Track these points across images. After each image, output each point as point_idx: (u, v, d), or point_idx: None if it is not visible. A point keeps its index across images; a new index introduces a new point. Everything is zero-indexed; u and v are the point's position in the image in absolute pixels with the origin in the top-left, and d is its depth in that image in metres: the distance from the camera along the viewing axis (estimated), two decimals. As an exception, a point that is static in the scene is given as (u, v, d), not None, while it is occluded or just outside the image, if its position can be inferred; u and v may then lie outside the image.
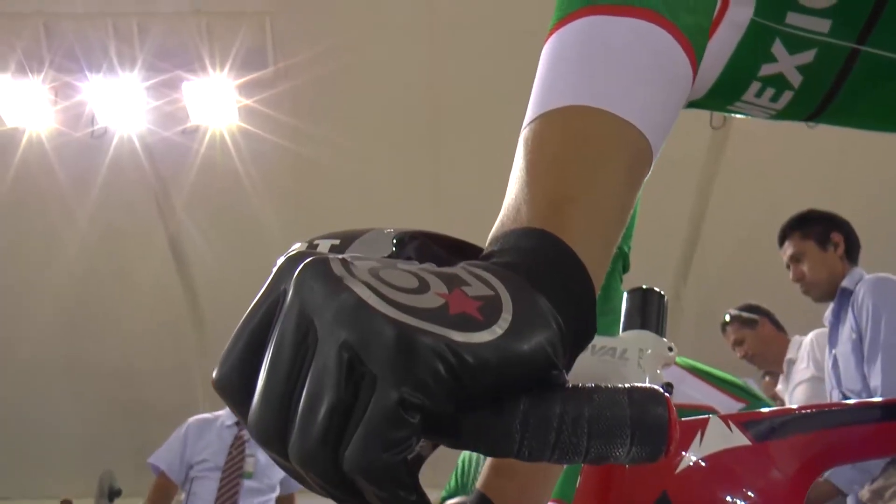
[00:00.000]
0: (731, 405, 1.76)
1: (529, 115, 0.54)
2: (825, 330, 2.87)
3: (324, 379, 0.34)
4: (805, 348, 3.01)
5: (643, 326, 0.54)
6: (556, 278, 0.41)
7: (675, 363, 1.84)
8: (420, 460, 0.40)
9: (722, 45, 0.86)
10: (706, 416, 0.52)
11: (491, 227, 0.48)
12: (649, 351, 0.53)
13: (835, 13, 0.84)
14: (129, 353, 5.52)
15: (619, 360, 0.53)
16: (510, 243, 0.43)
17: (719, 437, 0.50)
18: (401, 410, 0.34)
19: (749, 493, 0.48)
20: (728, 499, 0.48)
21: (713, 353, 3.47)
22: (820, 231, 2.71)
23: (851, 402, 0.72)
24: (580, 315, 0.41)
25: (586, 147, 0.51)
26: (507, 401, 0.36)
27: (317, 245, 0.44)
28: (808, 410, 0.53)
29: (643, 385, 0.35)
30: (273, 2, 4.50)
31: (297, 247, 0.43)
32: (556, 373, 0.37)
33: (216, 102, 4.55)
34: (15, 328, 5.52)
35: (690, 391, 1.73)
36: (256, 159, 4.94)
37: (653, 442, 0.35)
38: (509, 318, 0.36)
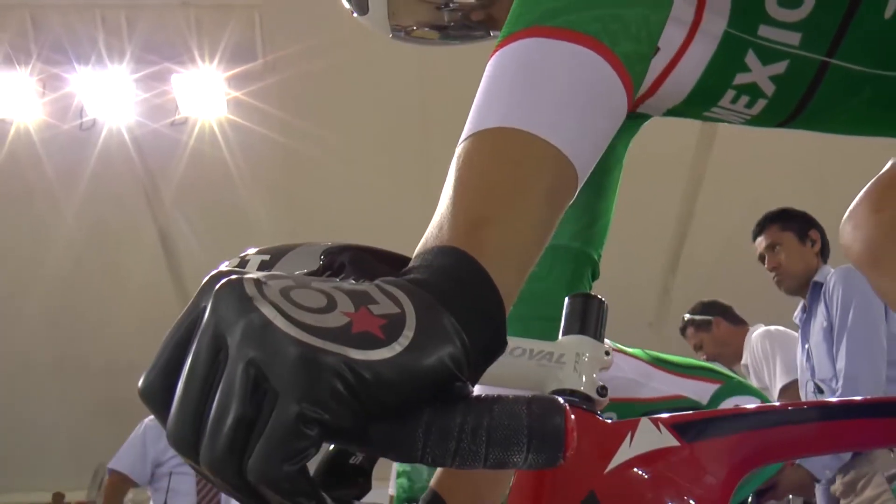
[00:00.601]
0: (704, 388, 1.78)
1: (465, 132, 0.56)
2: (766, 331, 2.93)
3: (231, 394, 0.37)
4: (746, 357, 3.06)
5: (581, 332, 0.56)
6: (465, 296, 0.44)
7: (641, 358, 1.87)
8: (362, 471, 0.44)
9: (698, 54, 0.91)
10: (638, 418, 0.54)
11: None
12: (586, 355, 0.54)
13: (805, 27, 0.87)
14: (118, 349, 5.52)
15: (556, 364, 0.54)
16: (428, 260, 0.46)
17: (649, 439, 0.52)
18: (300, 425, 0.36)
19: (676, 492, 0.50)
20: (656, 498, 0.50)
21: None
22: (799, 225, 2.76)
23: (777, 404, 0.74)
24: (488, 330, 0.44)
25: (510, 169, 0.53)
26: (412, 411, 0.39)
27: (248, 260, 0.47)
28: (736, 413, 0.55)
29: (544, 396, 0.38)
30: (262, -5, 4.50)
31: (226, 265, 0.45)
32: (459, 385, 0.40)
33: (205, 95, 4.55)
34: (3, 324, 5.52)
35: (658, 384, 1.75)
36: (245, 152, 4.95)
37: (549, 450, 0.37)
38: (410, 335, 0.39)
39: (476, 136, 0.54)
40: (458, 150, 0.54)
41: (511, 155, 0.53)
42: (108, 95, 4.53)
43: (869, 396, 2.43)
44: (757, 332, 3.07)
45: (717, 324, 3.22)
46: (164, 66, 4.44)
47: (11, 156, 4.85)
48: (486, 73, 0.60)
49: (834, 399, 1.50)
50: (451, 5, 1.01)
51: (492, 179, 0.52)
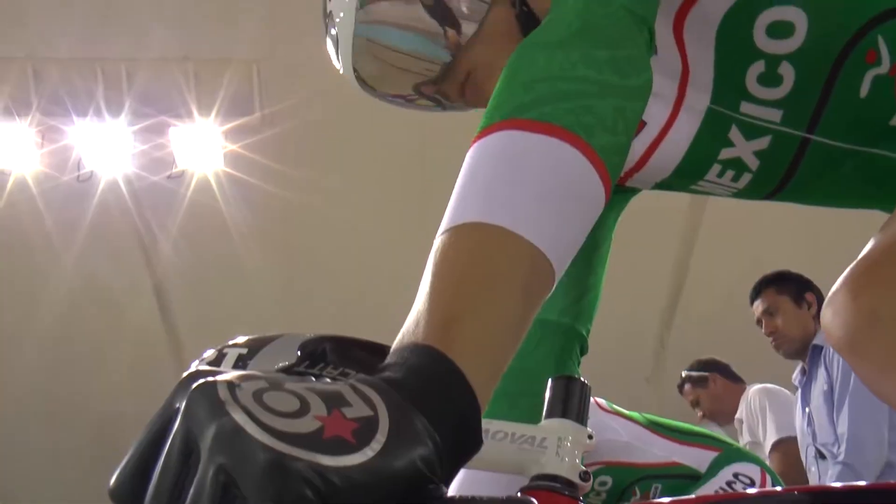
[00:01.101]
0: (703, 456, 1.76)
1: (442, 225, 0.56)
2: (764, 387, 2.91)
3: (200, 499, 0.37)
4: (741, 411, 3.04)
5: (564, 415, 0.55)
6: (439, 396, 0.44)
7: (638, 422, 1.84)
8: None
9: (683, 129, 0.94)
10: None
11: None
12: (569, 440, 0.53)
13: (785, 104, 0.89)
14: (110, 400, 5.48)
15: (538, 448, 0.53)
16: (403, 358, 0.46)
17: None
18: None
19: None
20: None
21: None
22: (795, 289, 2.76)
23: (779, 489, 0.72)
24: (462, 430, 0.44)
25: (485, 265, 0.53)
26: None
27: (225, 353, 0.47)
28: (735, 498, 0.54)
29: (518, 497, 0.37)
30: (260, 49, 4.54)
31: (208, 353, 0.45)
32: (432, 486, 0.40)
33: (202, 148, 4.58)
34: (-3, 372, 5.49)
35: (656, 450, 1.73)
36: (242, 203, 4.96)
37: None
38: (383, 439, 0.39)
39: (453, 231, 0.55)
40: (436, 243, 0.55)
41: (486, 251, 0.54)
42: (106, 148, 4.56)
43: (872, 461, 2.39)
44: (754, 388, 3.06)
45: (714, 380, 3.20)
46: (162, 119, 4.47)
47: (10, 206, 4.87)
48: (464, 165, 0.60)
49: (838, 484, 1.48)
50: (420, 85, 1.02)
51: (466, 276, 0.52)
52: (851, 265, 0.79)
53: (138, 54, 4.51)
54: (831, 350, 2.54)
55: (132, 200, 4.96)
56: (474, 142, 0.61)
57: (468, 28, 0.97)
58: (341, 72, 1.05)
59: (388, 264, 5.20)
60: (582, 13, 0.69)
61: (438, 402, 0.43)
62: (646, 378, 5.60)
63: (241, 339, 0.50)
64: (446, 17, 0.97)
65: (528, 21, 0.97)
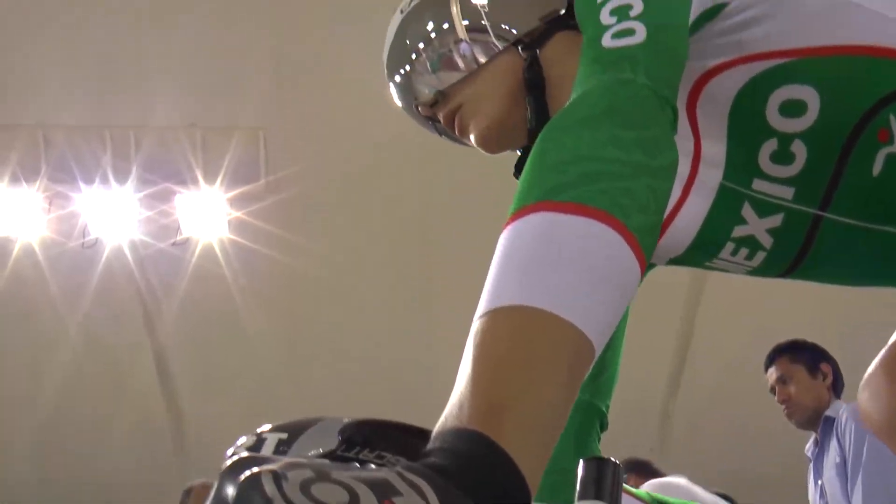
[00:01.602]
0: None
1: (481, 307, 0.57)
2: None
3: None
4: None
5: (597, 497, 0.54)
6: (490, 483, 0.44)
7: (644, 500, 1.81)
8: None
9: (696, 206, 0.94)
10: None
11: None
12: (602, 524, 0.52)
13: (797, 182, 0.90)
14: (110, 467, 5.42)
15: (574, 531, 0.52)
16: (449, 443, 0.47)
17: None
18: None
19: None
20: None
21: (701, 467, 3.42)
22: (809, 358, 2.74)
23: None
24: None
25: (528, 348, 0.53)
26: None
27: (265, 439, 0.48)
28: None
29: None
30: (267, 116, 4.60)
31: (242, 440, 0.45)
32: None
33: (207, 215, 4.61)
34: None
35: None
36: (246, 270, 4.97)
37: None
38: None
39: (492, 315, 0.55)
40: (475, 326, 0.55)
41: (528, 334, 0.54)
42: (111, 214, 4.59)
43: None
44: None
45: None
46: (168, 186, 4.51)
47: (15, 273, 4.88)
48: (499, 247, 0.61)
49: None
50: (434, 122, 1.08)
51: (510, 359, 0.53)
52: (886, 347, 0.77)
53: (146, 121, 4.57)
54: (843, 422, 2.51)
55: (137, 267, 4.98)
56: (507, 224, 0.62)
57: (466, 62, 1.02)
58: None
59: (390, 331, 5.19)
60: (606, 94, 0.70)
61: (490, 490, 0.43)
62: (651, 449, 5.53)
63: (279, 424, 0.50)
64: (451, 43, 1.03)
65: (533, 77, 1.00)
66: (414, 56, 1.05)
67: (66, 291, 5.04)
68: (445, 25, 1.03)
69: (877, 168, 0.87)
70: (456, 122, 1.05)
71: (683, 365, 5.35)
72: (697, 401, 5.19)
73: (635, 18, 0.77)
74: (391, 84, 1.10)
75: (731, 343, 4.75)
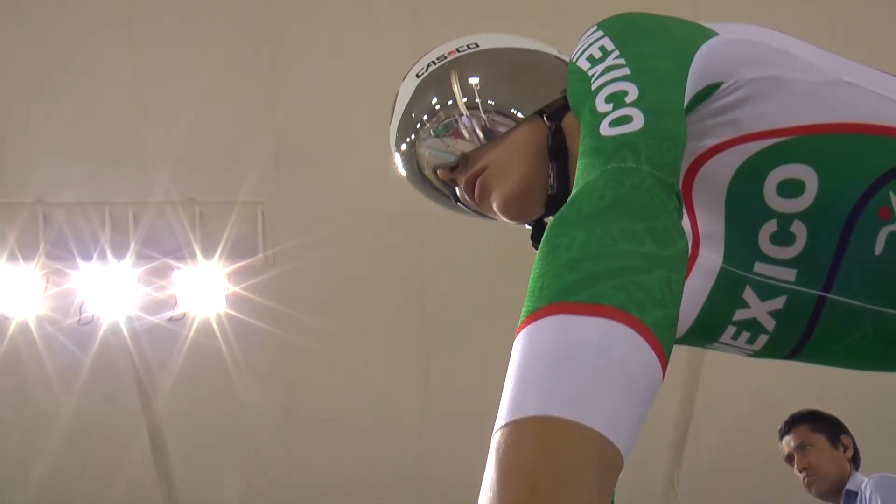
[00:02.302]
0: None
1: (502, 418, 0.55)
2: None
3: None
4: None
5: None
6: None
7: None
8: None
9: (695, 289, 0.93)
10: None
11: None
12: None
13: (799, 263, 0.88)
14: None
15: None
16: None
17: None
18: None
19: None
20: None
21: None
22: (830, 429, 2.70)
23: None
24: None
25: (555, 462, 0.52)
26: None
27: None
28: None
29: None
30: (266, 191, 4.64)
31: None
32: None
33: (205, 291, 4.60)
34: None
35: None
36: (243, 344, 4.94)
37: None
38: None
39: (514, 426, 0.54)
40: (496, 439, 0.54)
41: (553, 446, 0.53)
42: (109, 291, 4.58)
43: None
44: None
45: None
46: (166, 261, 4.51)
47: (11, 350, 4.84)
48: (515, 353, 0.59)
49: None
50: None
51: (537, 472, 0.52)
52: None
53: (146, 197, 4.60)
54: (868, 495, 2.46)
55: (133, 342, 4.95)
56: (522, 327, 0.60)
57: (495, 125, 1.03)
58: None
59: (388, 404, 5.14)
60: (611, 185, 0.69)
61: None
62: (656, 520, 5.43)
63: None
64: (478, 105, 1.03)
65: (557, 144, 1.01)
66: (436, 119, 1.05)
67: (61, 368, 4.99)
68: (470, 92, 1.04)
69: (879, 247, 0.86)
70: (478, 186, 1.04)
71: (686, 433, 5.29)
72: (702, 470, 5.12)
73: (631, 105, 0.76)
74: (403, 147, 1.10)
75: (734, 409, 4.71)
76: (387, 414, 5.13)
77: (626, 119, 0.75)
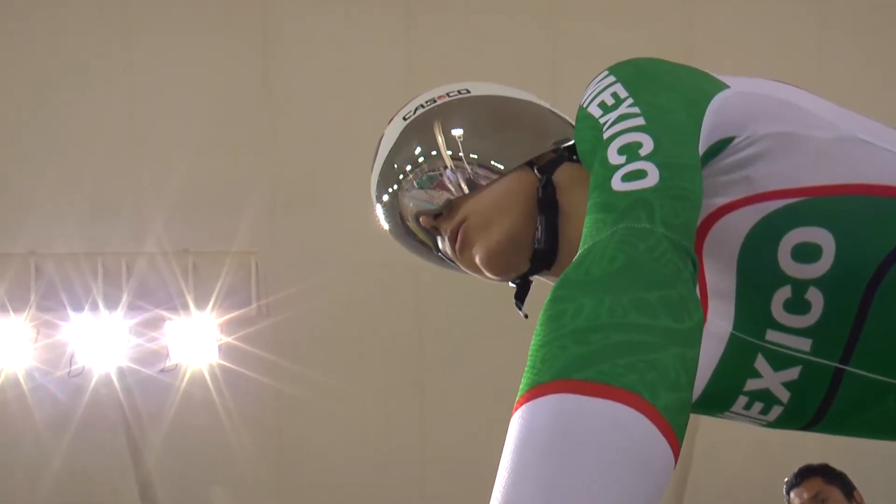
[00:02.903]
0: None
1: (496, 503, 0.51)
2: None
3: None
4: None
5: None
6: None
7: None
8: None
9: (705, 357, 0.87)
10: None
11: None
12: None
13: (815, 333, 0.83)
14: None
15: None
16: None
17: None
18: None
19: None
20: None
21: None
22: (842, 483, 2.69)
23: None
24: None
25: None
26: None
27: None
28: None
29: None
30: (259, 241, 4.62)
31: None
32: None
33: (198, 342, 4.56)
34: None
35: None
36: (235, 394, 4.89)
37: None
38: None
39: None
40: None
41: None
42: (100, 342, 4.54)
43: None
44: None
45: None
46: (158, 312, 4.48)
47: (1, 404, 4.78)
48: (511, 433, 0.54)
49: None
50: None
51: None
52: None
53: (138, 248, 4.58)
54: None
55: (124, 394, 4.89)
56: (522, 402, 0.55)
57: (482, 174, 0.99)
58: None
59: (383, 457, 5.07)
60: (623, 247, 0.64)
61: None
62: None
63: None
64: (466, 152, 0.99)
65: (547, 197, 0.96)
66: (420, 170, 1.01)
67: (51, 420, 4.92)
68: (456, 142, 1.00)
69: None
70: (460, 236, 0.99)
71: (686, 482, 5.23)
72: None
73: (646, 158, 0.72)
74: (385, 198, 1.06)
75: (733, 457, 4.66)
76: (382, 465, 5.06)
77: (641, 174, 0.70)
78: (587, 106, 0.83)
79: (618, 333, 0.56)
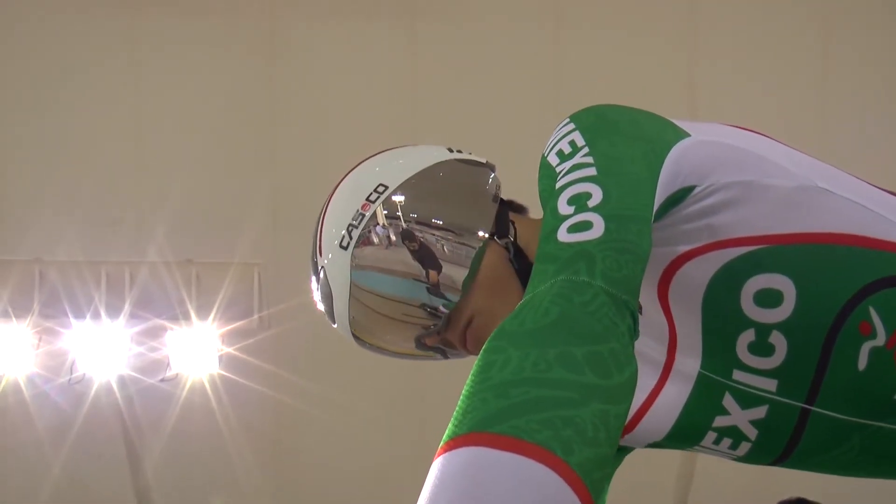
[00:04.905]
0: None
1: None
2: None
3: None
4: None
5: None
6: None
7: None
8: None
9: (673, 394, 0.90)
10: None
11: None
12: None
13: (780, 374, 0.86)
14: None
15: None
16: None
17: None
18: None
19: None
20: None
21: None
22: None
23: None
24: None
25: None
26: None
27: None
28: None
29: None
30: (262, 253, 4.63)
31: None
32: None
33: (199, 352, 4.57)
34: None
35: None
36: (235, 404, 4.89)
37: None
38: None
39: None
40: None
41: None
42: (101, 351, 4.55)
43: None
44: None
45: None
46: (160, 322, 4.49)
47: (1, 410, 4.79)
48: (428, 482, 0.55)
49: None
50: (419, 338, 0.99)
51: None
52: None
53: (142, 257, 4.59)
54: None
55: (124, 402, 4.89)
56: (440, 453, 0.56)
57: (457, 273, 0.94)
58: (335, 326, 1.03)
59: (384, 470, 5.06)
60: (558, 301, 0.64)
61: None
62: None
63: None
64: (431, 261, 0.94)
65: (521, 263, 0.95)
66: (398, 304, 0.96)
67: (51, 427, 4.93)
68: (419, 264, 0.94)
69: (862, 363, 0.83)
70: (470, 339, 0.97)
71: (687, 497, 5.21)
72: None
73: (593, 210, 0.71)
74: (366, 346, 1.01)
75: (733, 484, 4.63)
76: (382, 476, 5.05)
77: (586, 225, 0.70)
78: (547, 154, 0.83)
79: (538, 389, 0.56)
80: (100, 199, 4.62)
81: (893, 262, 0.82)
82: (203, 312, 4.53)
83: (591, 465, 0.55)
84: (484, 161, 1.01)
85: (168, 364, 4.60)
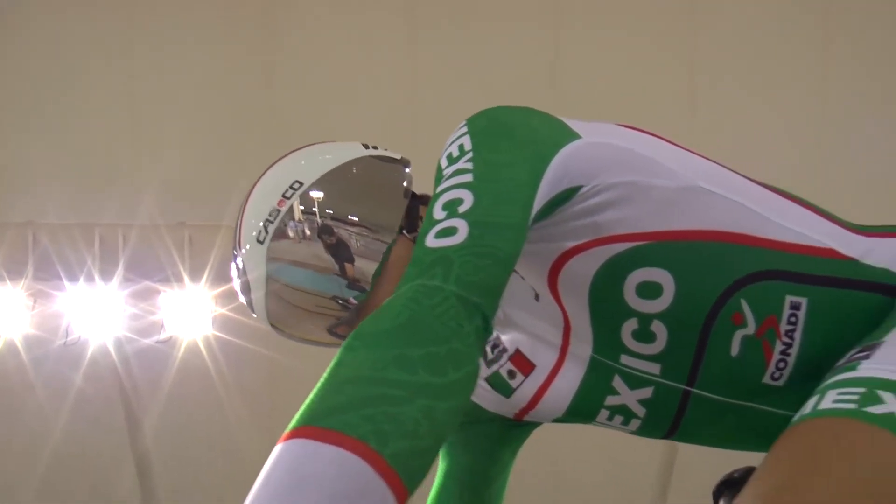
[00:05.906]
0: None
1: None
2: None
3: None
4: None
5: None
6: None
7: None
8: None
9: (570, 375, 0.98)
10: None
11: None
12: None
13: (662, 359, 0.93)
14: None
15: None
16: None
17: None
18: None
19: None
20: None
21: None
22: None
23: None
24: None
25: None
26: None
27: None
28: None
29: None
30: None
31: None
32: None
33: (192, 313, 4.61)
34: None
35: None
36: (230, 364, 4.95)
37: None
38: None
39: None
40: None
41: None
42: (96, 312, 4.59)
43: None
44: None
45: None
46: (153, 284, 4.52)
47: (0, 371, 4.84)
48: (265, 466, 0.61)
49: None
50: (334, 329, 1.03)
51: None
52: (753, 485, 0.76)
53: (134, 220, 4.61)
54: None
55: (121, 364, 4.95)
56: (279, 442, 0.62)
57: (367, 266, 0.98)
58: (255, 316, 1.07)
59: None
60: (409, 304, 0.68)
61: None
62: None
63: None
64: (344, 255, 0.98)
65: None
66: (313, 297, 1.00)
67: (49, 389, 4.99)
68: (331, 257, 0.98)
69: (734, 349, 0.90)
70: None
71: (671, 475, 5.27)
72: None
73: (461, 215, 0.74)
74: (286, 335, 1.05)
75: (713, 469, 4.68)
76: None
77: (452, 231, 0.73)
78: (441, 156, 0.86)
79: (370, 387, 0.61)
80: (92, 162, 4.63)
81: (765, 257, 0.87)
82: (196, 274, 4.57)
83: (406, 454, 0.59)
84: (398, 157, 1.05)
85: (162, 326, 4.64)
